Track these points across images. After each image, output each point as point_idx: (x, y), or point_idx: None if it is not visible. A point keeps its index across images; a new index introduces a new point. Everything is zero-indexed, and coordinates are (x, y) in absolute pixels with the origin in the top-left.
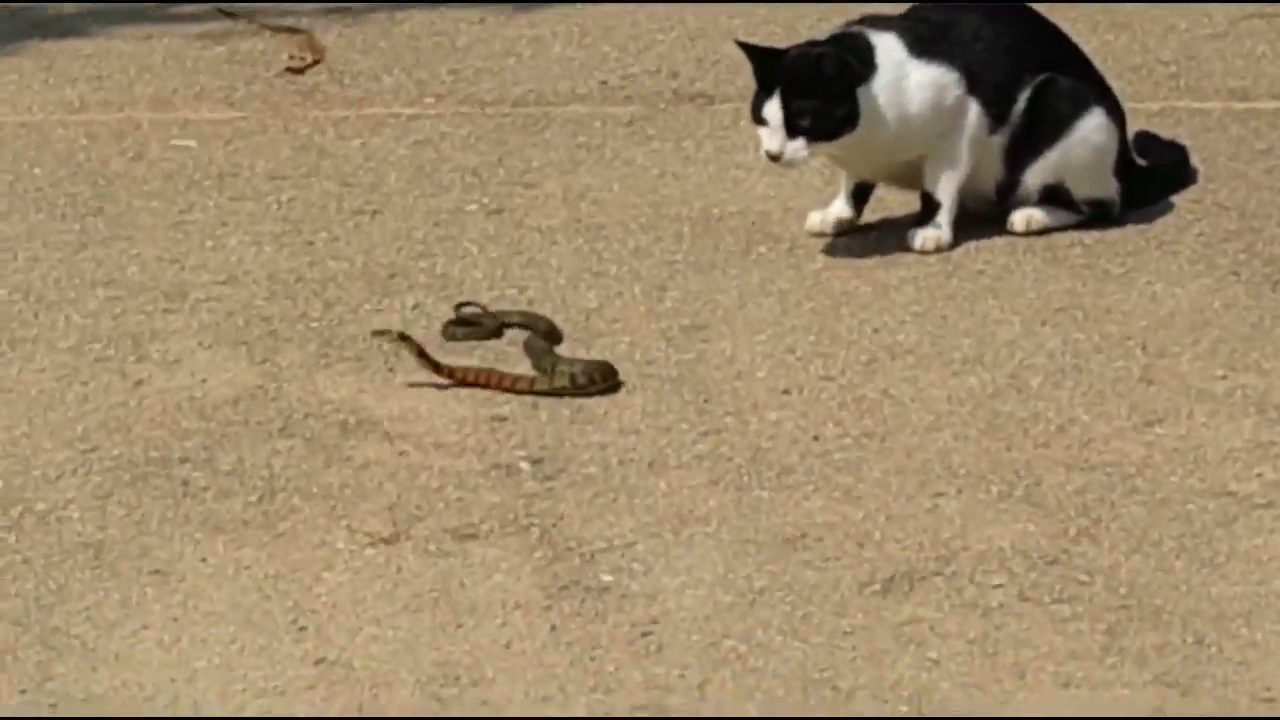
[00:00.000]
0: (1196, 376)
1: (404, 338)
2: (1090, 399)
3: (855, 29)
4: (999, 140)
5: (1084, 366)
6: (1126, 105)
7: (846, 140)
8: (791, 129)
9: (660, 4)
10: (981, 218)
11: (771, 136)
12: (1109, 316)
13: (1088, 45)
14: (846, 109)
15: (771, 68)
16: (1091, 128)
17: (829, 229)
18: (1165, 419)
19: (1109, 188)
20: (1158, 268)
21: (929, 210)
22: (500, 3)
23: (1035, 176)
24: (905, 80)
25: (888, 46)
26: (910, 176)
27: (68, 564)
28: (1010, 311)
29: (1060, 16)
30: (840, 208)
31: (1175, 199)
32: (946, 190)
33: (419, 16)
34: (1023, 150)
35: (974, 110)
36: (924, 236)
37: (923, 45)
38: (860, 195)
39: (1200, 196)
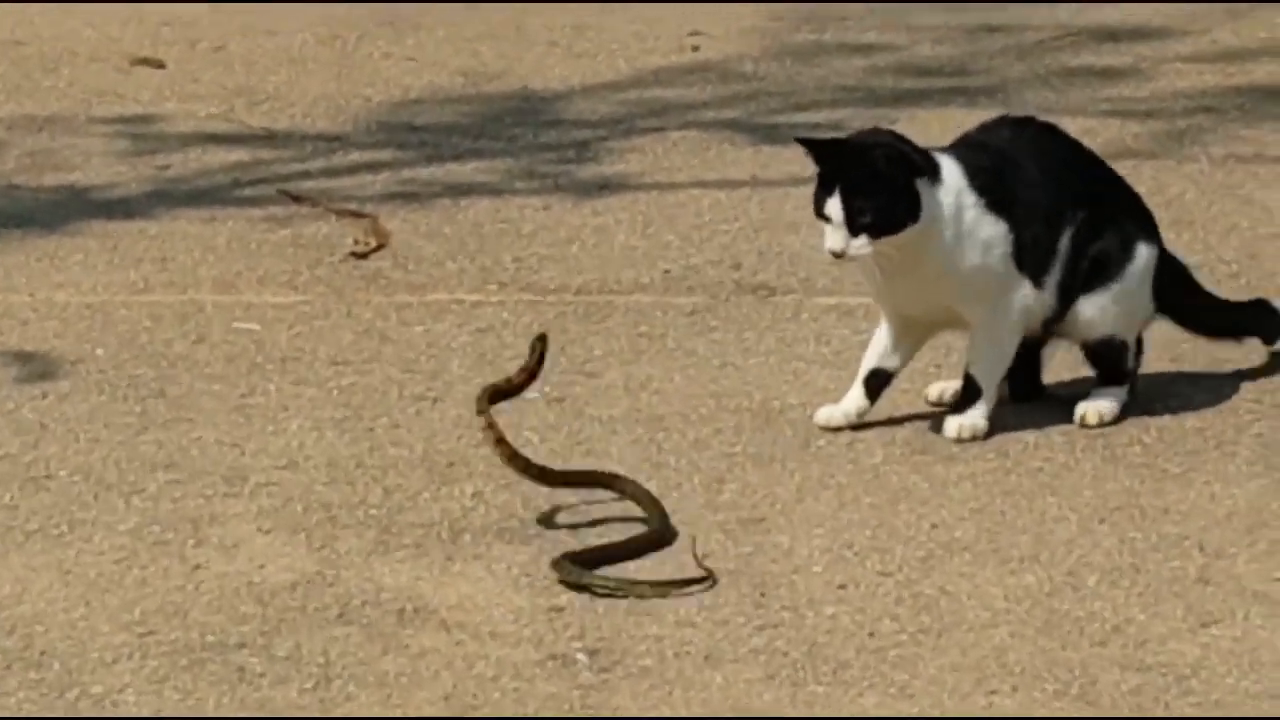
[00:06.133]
0: (1253, 578)
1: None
2: (1146, 599)
3: None
4: None
5: (1141, 566)
6: None
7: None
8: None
9: (724, 193)
10: (1040, 414)
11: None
12: (1166, 516)
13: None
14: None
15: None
16: None
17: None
18: (1221, 620)
19: None
20: (1215, 468)
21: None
22: (565, 191)
23: None
24: None
25: None
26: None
27: None
28: (1068, 509)
29: None
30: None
31: (1234, 399)
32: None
33: (484, 203)
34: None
35: None
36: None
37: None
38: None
39: (1259, 397)
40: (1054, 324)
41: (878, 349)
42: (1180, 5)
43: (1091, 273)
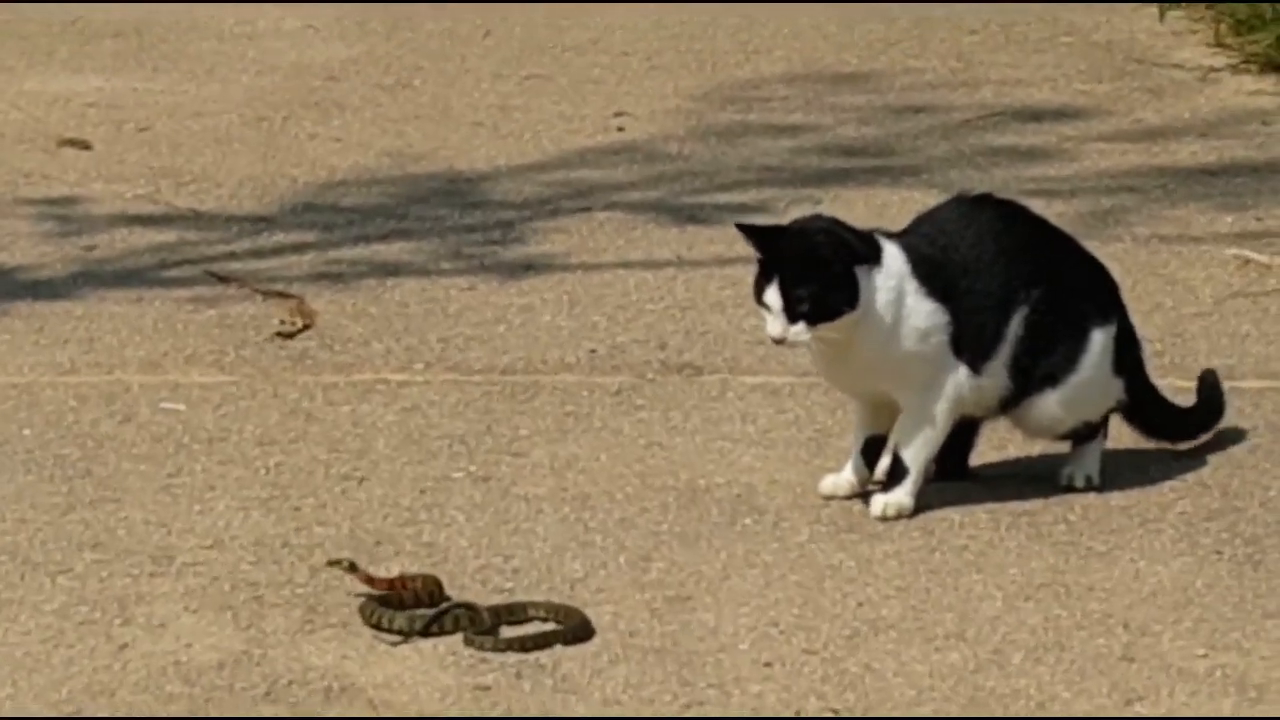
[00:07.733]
0: (1177, 655)
1: (353, 567)
2: (1071, 676)
3: None
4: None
5: (1065, 644)
6: None
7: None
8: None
9: (649, 273)
10: (966, 492)
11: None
12: (1091, 594)
13: None
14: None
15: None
16: None
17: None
18: (1146, 697)
19: None
20: (1140, 545)
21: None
22: (490, 271)
23: None
24: None
25: None
26: None
27: None
28: (993, 587)
29: None
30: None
31: (1158, 477)
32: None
33: (409, 284)
34: None
35: None
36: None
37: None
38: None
39: (1183, 474)
40: (1010, 405)
41: (861, 420)
42: (1102, 85)
43: (1046, 368)
